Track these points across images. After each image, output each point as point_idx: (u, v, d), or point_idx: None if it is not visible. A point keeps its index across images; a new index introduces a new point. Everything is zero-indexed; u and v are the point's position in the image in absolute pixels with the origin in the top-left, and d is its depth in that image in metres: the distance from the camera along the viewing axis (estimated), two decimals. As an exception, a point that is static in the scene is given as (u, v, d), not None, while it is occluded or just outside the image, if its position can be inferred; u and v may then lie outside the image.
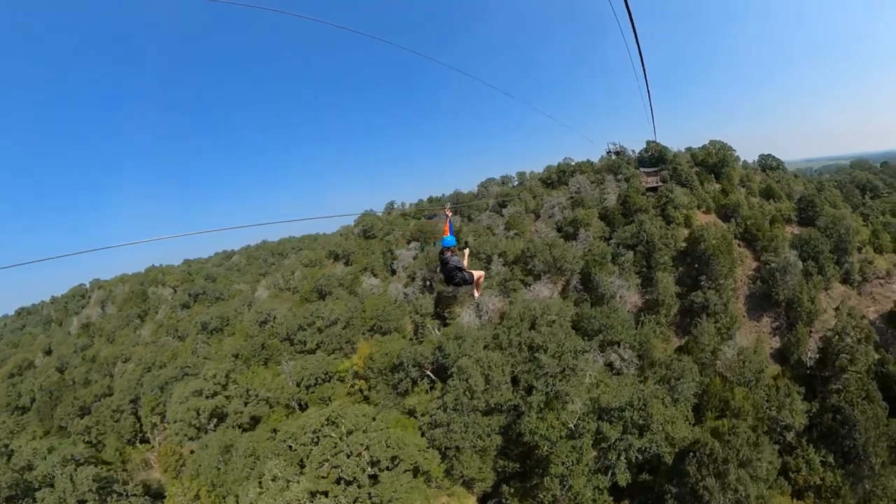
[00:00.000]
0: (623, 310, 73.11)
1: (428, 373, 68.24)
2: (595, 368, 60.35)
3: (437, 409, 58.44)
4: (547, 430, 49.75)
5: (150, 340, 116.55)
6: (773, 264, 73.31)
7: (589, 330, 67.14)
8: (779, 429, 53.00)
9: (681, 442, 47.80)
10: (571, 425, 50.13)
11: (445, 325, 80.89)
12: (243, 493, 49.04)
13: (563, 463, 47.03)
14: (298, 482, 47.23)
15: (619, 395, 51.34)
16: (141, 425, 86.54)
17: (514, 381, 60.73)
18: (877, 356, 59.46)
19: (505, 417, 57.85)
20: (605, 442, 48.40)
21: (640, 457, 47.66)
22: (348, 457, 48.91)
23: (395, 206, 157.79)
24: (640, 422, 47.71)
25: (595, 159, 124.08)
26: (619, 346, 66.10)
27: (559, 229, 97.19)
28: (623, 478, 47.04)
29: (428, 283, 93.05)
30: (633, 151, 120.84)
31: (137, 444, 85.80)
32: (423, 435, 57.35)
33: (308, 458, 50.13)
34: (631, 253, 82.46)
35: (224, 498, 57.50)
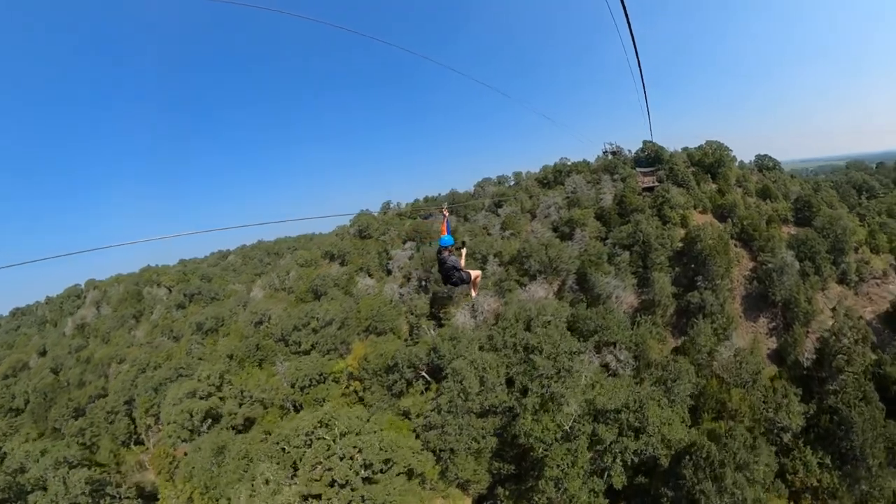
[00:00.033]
0: (619, 310, 72.80)
1: (423, 374, 67.88)
2: (591, 370, 59.92)
3: (432, 411, 58.09)
4: (542, 432, 49.38)
5: (144, 341, 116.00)
6: (769, 264, 73.07)
7: (584, 331, 66.73)
8: (776, 430, 52.78)
9: (677, 444, 47.47)
10: (567, 427, 49.78)
11: (441, 325, 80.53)
12: (235, 496, 48.71)
13: (558, 465, 46.70)
14: (290, 486, 46.84)
15: (614, 396, 50.92)
16: (135, 427, 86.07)
17: (509, 382, 60.38)
18: (874, 357, 59.21)
19: (500, 419, 57.46)
20: (600, 444, 48.05)
21: (636, 459, 47.33)
22: (341, 459, 48.52)
23: (392, 205, 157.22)
24: (636, 424, 47.37)
25: (591, 159, 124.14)
26: (614, 347, 65.71)
27: (555, 229, 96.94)
28: (619, 480, 46.65)
29: (423, 283, 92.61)
30: (630, 151, 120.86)
31: (132, 446, 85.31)
32: (417, 437, 57.08)
33: (301, 460, 49.77)
34: (627, 253, 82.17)
35: (217, 501, 57.20)
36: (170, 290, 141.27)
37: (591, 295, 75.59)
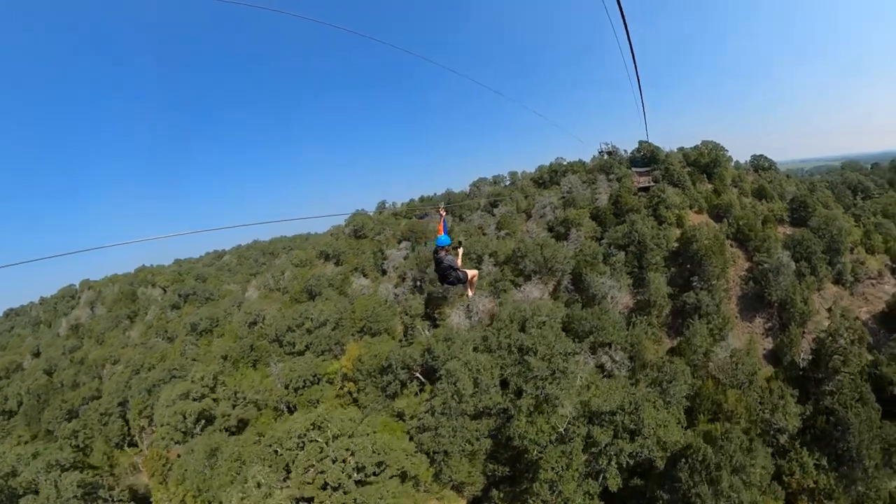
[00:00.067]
0: (614, 311, 72.54)
1: (417, 375, 67.45)
2: (586, 371, 59.57)
3: (426, 412, 57.67)
4: (536, 434, 48.96)
5: (139, 342, 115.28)
6: (765, 265, 72.94)
7: (580, 331, 66.41)
8: (772, 432, 52.42)
9: (673, 446, 47.07)
10: (561, 429, 49.38)
11: (435, 326, 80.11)
12: (227, 499, 48.21)
13: (552, 468, 46.25)
14: (282, 489, 46.42)
15: (609, 398, 50.51)
16: (129, 429, 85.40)
17: (504, 383, 60.04)
18: (870, 357, 59.09)
19: (494, 421, 57.07)
20: (595, 446, 47.64)
21: (632, 461, 46.86)
22: (333, 462, 48.10)
23: (387, 205, 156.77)
24: (632, 426, 46.97)
25: (587, 159, 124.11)
26: (610, 347, 65.44)
27: (550, 229, 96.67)
28: (614, 483, 46.25)
29: (418, 283, 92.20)
30: (625, 151, 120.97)
31: (126, 448, 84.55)
32: (411, 439, 56.65)
33: (293, 463, 49.34)
34: (622, 253, 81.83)
35: (209, 503, 56.70)
36: (164, 291, 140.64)
37: (586, 295, 75.30)
